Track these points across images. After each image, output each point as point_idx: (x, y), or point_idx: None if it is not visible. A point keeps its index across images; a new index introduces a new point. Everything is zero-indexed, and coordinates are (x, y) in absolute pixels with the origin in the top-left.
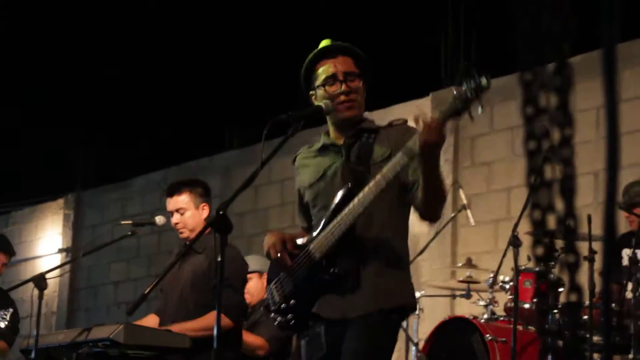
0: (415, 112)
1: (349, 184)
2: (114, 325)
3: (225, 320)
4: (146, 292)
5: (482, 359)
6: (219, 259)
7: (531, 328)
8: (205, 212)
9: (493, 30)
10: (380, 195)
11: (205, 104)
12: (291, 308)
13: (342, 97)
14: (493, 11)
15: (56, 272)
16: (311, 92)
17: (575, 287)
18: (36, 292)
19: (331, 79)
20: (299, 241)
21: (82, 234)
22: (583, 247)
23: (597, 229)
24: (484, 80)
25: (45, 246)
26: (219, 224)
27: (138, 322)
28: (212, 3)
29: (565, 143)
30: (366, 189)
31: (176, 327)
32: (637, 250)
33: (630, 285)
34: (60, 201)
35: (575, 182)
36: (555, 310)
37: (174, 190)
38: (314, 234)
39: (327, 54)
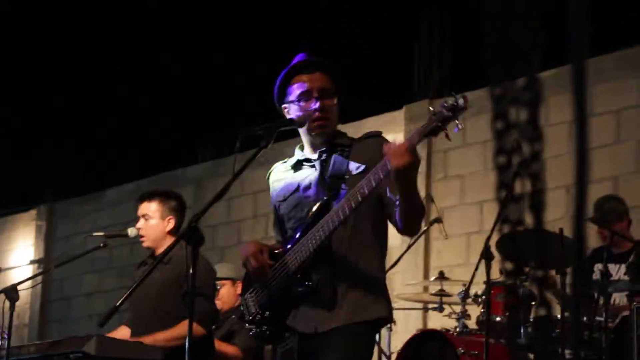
0: (388, 124)
1: (325, 197)
2: (86, 337)
3: (198, 329)
4: (118, 304)
5: None
6: (191, 272)
7: (503, 342)
8: (170, 225)
9: (465, 43)
10: (357, 209)
11: (178, 115)
12: (266, 319)
13: (316, 114)
14: (465, 24)
15: (28, 284)
16: (284, 105)
17: (544, 302)
18: (7, 303)
19: (306, 94)
20: (275, 252)
21: (54, 246)
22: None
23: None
24: (460, 100)
25: (17, 257)
26: (190, 236)
27: (110, 334)
28: (183, 17)
29: (535, 158)
30: (342, 202)
31: (149, 339)
32: (608, 265)
33: (601, 300)
34: (33, 212)
35: (544, 197)
36: (527, 324)
37: (145, 196)
38: (289, 245)
39: (303, 69)
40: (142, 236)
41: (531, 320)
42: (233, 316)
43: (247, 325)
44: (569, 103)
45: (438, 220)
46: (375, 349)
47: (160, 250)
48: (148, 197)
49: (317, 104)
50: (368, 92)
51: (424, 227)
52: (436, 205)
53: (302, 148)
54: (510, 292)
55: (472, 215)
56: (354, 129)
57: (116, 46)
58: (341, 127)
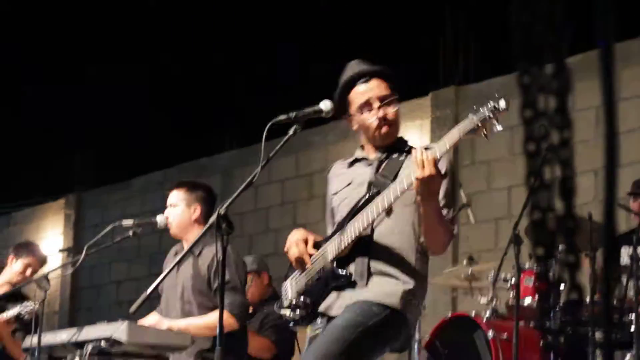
0: (414, 110)
1: (369, 192)
2: (116, 323)
3: (231, 321)
4: (148, 291)
5: (485, 357)
6: (221, 260)
7: (533, 325)
8: (196, 213)
9: (492, 28)
10: (389, 210)
11: (206, 104)
12: (301, 305)
13: (380, 123)
14: (492, 10)
15: (58, 272)
16: (349, 116)
17: (575, 286)
18: (39, 292)
19: (366, 105)
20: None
21: (84, 234)
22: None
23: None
24: (502, 102)
25: (46, 246)
26: (220, 224)
27: (140, 321)
28: (213, 3)
29: (564, 145)
30: (380, 197)
31: (182, 322)
32: (638, 248)
33: (631, 283)
34: (61, 201)
35: (574, 183)
36: (557, 309)
37: (174, 185)
38: (331, 235)
39: (360, 78)
40: (168, 223)
41: (561, 304)
42: (264, 309)
43: (281, 310)
44: (596, 88)
45: (466, 205)
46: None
47: (187, 238)
48: (176, 185)
49: (380, 112)
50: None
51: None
52: (464, 191)
53: (362, 147)
54: (541, 276)
55: (500, 201)
56: None
57: (146, 35)
58: None
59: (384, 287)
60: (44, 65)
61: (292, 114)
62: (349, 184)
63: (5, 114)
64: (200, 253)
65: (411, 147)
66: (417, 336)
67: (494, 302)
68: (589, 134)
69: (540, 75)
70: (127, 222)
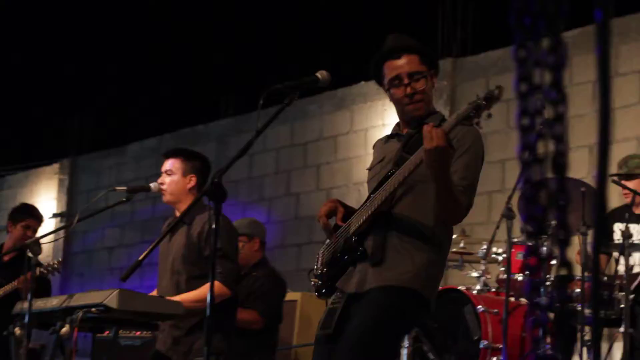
0: None
1: (392, 169)
2: (107, 290)
3: (223, 289)
4: (140, 258)
5: (474, 330)
6: (214, 227)
7: (523, 300)
8: (191, 182)
9: (490, 1)
10: (402, 184)
11: (201, 71)
12: (324, 276)
13: (407, 100)
14: None
15: (50, 237)
16: (384, 88)
17: (565, 263)
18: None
19: (396, 80)
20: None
21: (77, 199)
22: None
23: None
24: (496, 91)
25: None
26: (213, 192)
27: None
28: None
29: (558, 120)
30: (398, 172)
31: (175, 299)
32: (629, 225)
33: (622, 259)
34: (55, 166)
35: (567, 159)
36: (547, 283)
37: (170, 153)
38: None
39: (391, 53)
40: (162, 190)
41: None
42: (254, 274)
43: (311, 279)
44: (592, 63)
45: None
46: None
47: (180, 207)
48: (172, 154)
49: (408, 89)
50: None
51: None
52: None
53: (398, 124)
54: (531, 251)
55: (494, 174)
56: (377, 86)
57: (142, 4)
58: (364, 85)
59: (399, 266)
60: (38, 29)
61: (288, 83)
62: (380, 161)
63: (0, 80)
64: (191, 222)
65: (444, 120)
66: None
67: (484, 276)
68: (585, 109)
69: (536, 49)
70: (121, 188)
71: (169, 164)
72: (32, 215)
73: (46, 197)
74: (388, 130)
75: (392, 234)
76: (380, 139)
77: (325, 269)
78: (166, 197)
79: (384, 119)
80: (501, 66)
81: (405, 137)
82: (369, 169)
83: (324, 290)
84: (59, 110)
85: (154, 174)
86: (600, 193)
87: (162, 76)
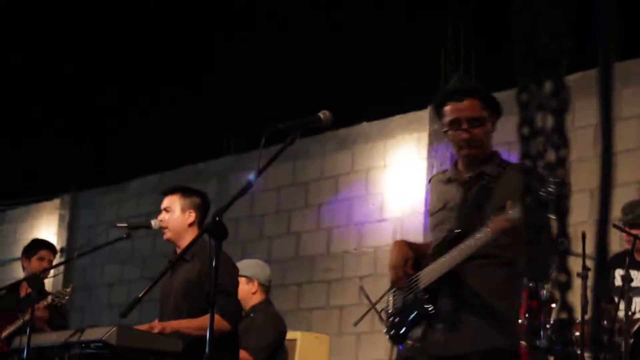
0: (412, 123)
1: (456, 230)
2: (107, 327)
3: (224, 324)
4: (140, 295)
5: None
6: (214, 265)
7: (523, 343)
8: (190, 218)
9: (494, 42)
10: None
11: (203, 108)
12: (395, 324)
13: (464, 144)
14: (493, 24)
15: (51, 272)
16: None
17: (566, 306)
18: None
19: (455, 123)
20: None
21: (77, 235)
22: (577, 264)
23: (592, 247)
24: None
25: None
26: (214, 229)
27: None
28: (211, 7)
29: (560, 164)
30: (469, 242)
31: (175, 323)
32: (630, 270)
33: (622, 304)
34: (56, 201)
35: (568, 203)
36: (548, 326)
37: (169, 190)
38: (427, 264)
39: (454, 95)
40: (163, 228)
41: (551, 322)
42: (252, 315)
43: (384, 322)
44: (594, 106)
45: None
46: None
47: (180, 244)
48: (170, 191)
49: (464, 135)
50: (394, 91)
51: None
52: None
53: (456, 165)
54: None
55: None
56: (380, 127)
57: (144, 37)
58: (366, 125)
59: (477, 329)
60: (41, 62)
61: (291, 123)
62: (442, 207)
63: (2, 113)
64: (192, 258)
65: (505, 163)
66: None
67: None
68: (586, 153)
69: (538, 93)
70: (122, 224)
71: (168, 201)
72: (44, 247)
73: (47, 232)
74: (389, 171)
75: (467, 296)
76: (437, 177)
77: (397, 319)
78: (167, 235)
79: (385, 159)
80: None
81: (463, 187)
82: (432, 215)
83: (393, 333)
84: (60, 145)
85: (155, 210)
86: (601, 237)
87: (164, 113)
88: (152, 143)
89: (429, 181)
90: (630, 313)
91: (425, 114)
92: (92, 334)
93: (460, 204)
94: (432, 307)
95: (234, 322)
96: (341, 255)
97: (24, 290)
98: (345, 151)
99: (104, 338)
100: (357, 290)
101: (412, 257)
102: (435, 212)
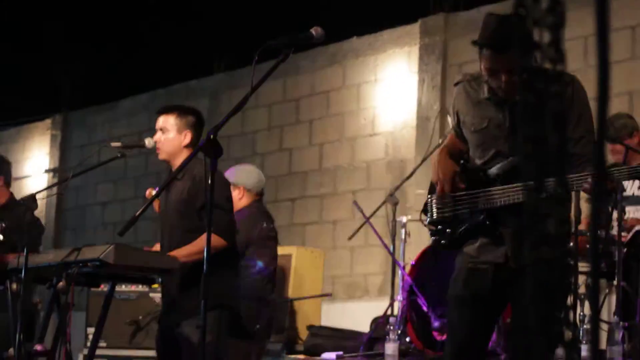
0: (402, 37)
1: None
2: (104, 245)
3: (219, 241)
4: (137, 214)
5: None
6: (210, 183)
7: None
8: (186, 139)
9: None
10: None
11: (194, 26)
12: (446, 234)
13: (504, 87)
14: None
15: (44, 193)
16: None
17: (564, 219)
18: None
19: (492, 72)
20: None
21: (69, 155)
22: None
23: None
24: None
25: (32, 166)
26: (209, 148)
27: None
28: None
29: (557, 79)
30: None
31: (171, 255)
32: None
33: (615, 214)
34: (48, 122)
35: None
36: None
37: (164, 109)
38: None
39: (495, 45)
40: (157, 148)
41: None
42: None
43: (427, 225)
44: (584, 19)
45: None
46: (389, 260)
47: (175, 163)
48: (166, 110)
49: (504, 80)
50: (383, 5)
51: (439, 140)
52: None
53: (487, 83)
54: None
55: None
56: (370, 42)
57: None
58: (356, 40)
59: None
60: None
61: (283, 39)
62: (486, 127)
63: None
64: (182, 176)
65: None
66: (401, 263)
67: None
68: (577, 65)
69: (534, 9)
70: (115, 144)
71: (164, 121)
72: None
73: (38, 152)
74: (380, 85)
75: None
76: (468, 84)
77: (447, 230)
78: (162, 155)
79: (376, 73)
80: None
81: (508, 114)
82: (473, 131)
83: (443, 242)
84: (51, 65)
85: (147, 129)
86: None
87: (154, 31)
88: (143, 61)
89: (455, 84)
90: (623, 222)
91: (415, 28)
92: (89, 253)
93: (510, 130)
94: (497, 231)
95: (228, 237)
96: (334, 170)
97: None
98: (336, 66)
99: (101, 257)
100: (349, 204)
101: (459, 171)
102: (477, 130)
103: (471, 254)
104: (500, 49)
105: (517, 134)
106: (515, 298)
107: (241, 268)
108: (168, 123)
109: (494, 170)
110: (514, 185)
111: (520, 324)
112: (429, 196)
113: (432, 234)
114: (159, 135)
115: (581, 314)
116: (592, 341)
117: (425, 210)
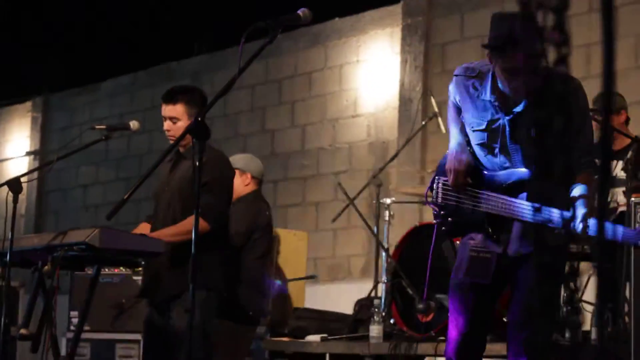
0: (384, 18)
1: (537, 205)
2: (89, 229)
3: (202, 224)
4: (125, 197)
5: (452, 265)
6: (198, 165)
7: None
8: None
9: None
10: None
11: (175, 7)
12: (448, 222)
13: (518, 88)
14: None
15: (28, 176)
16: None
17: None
18: (10, 195)
19: (510, 72)
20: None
21: (50, 137)
22: None
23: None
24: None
25: (12, 149)
26: (197, 130)
27: (135, 230)
28: None
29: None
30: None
31: (155, 234)
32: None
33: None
34: (28, 104)
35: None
36: None
37: (170, 98)
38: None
39: (511, 45)
40: (169, 136)
41: None
42: (237, 204)
43: (432, 205)
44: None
45: (435, 114)
46: (373, 241)
47: (186, 144)
48: (173, 98)
49: (519, 81)
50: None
51: (422, 122)
52: (434, 99)
53: (494, 78)
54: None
55: None
56: (352, 22)
57: None
58: (339, 21)
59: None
60: None
61: (270, 21)
62: (486, 128)
63: None
64: (189, 155)
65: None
66: (385, 244)
67: None
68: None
69: None
70: (100, 126)
71: (172, 112)
72: None
73: (19, 135)
74: (363, 66)
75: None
76: (464, 82)
77: (449, 219)
78: (173, 142)
79: (359, 54)
80: (476, 2)
81: (508, 123)
82: (473, 130)
83: (444, 229)
84: (31, 47)
85: (128, 111)
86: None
87: (135, 12)
88: (124, 43)
89: (455, 74)
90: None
91: (397, 9)
92: (74, 236)
93: (509, 140)
94: (495, 235)
95: (213, 221)
96: (316, 151)
97: None
98: (318, 47)
99: (87, 240)
100: (332, 186)
101: (469, 170)
102: (478, 130)
103: (473, 245)
104: (518, 48)
105: (517, 142)
106: (519, 283)
107: (243, 251)
108: (177, 112)
109: (500, 177)
110: (521, 202)
111: (525, 307)
112: (437, 178)
113: (435, 217)
114: (169, 125)
115: (564, 295)
116: (600, 325)
117: (431, 187)
